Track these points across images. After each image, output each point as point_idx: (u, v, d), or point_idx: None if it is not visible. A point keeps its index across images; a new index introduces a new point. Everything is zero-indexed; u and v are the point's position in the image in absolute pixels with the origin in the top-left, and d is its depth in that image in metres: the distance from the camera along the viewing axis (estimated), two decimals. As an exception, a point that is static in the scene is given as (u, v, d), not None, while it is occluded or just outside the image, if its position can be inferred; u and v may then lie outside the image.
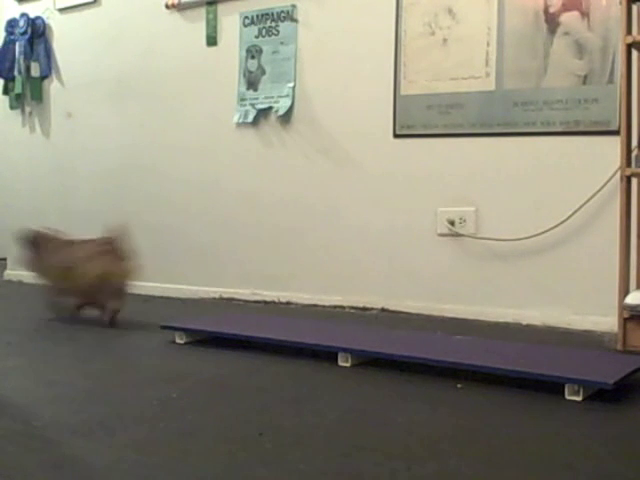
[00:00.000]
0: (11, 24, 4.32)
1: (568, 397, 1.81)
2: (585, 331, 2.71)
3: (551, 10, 2.81)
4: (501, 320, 2.91)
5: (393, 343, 2.31)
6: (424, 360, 2.09)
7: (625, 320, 2.38)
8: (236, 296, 3.57)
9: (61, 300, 3.01)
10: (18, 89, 4.27)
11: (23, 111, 4.38)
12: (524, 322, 2.87)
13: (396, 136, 3.17)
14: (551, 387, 1.85)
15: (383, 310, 3.17)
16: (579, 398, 1.80)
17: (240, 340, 2.44)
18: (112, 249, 2.89)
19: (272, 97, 3.47)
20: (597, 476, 1.35)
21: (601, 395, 1.81)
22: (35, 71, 4.24)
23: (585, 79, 2.76)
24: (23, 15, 4.26)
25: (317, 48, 3.36)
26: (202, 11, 3.67)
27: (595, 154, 2.74)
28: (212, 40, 3.65)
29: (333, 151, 3.34)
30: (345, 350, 2.20)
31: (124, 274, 2.90)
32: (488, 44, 2.93)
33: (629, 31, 2.40)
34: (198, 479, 1.35)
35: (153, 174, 3.87)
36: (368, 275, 3.25)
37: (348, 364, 2.18)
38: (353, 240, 3.29)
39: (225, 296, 3.60)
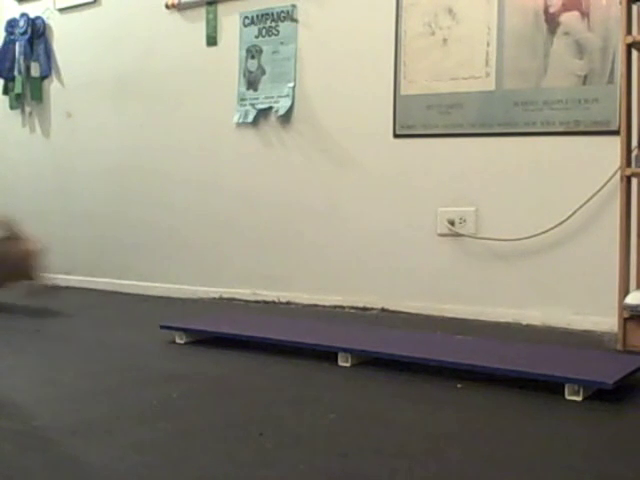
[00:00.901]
0: (11, 24, 4.32)
1: (568, 397, 1.81)
2: (585, 331, 2.71)
3: (551, 10, 2.81)
4: (501, 320, 2.91)
5: (393, 343, 2.31)
6: (424, 360, 2.09)
7: (625, 320, 2.38)
8: (236, 296, 3.57)
9: None
10: (18, 89, 4.27)
11: (23, 111, 4.38)
12: (524, 322, 2.87)
13: (396, 136, 3.17)
14: (551, 387, 1.85)
15: (383, 310, 3.17)
16: (579, 398, 1.80)
17: (240, 340, 2.45)
18: (12, 233, 3.01)
19: (272, 97, 3.47)
20: (597, 476, 1.35)
21: (601, 395, 1.81)
22: (35, 71, 4.24)
23: (585, 79, 2.76)
24: (23, 15, 4.26)
25: (317, 48, 3.36)
26: (202, 11, 3.67)
27: (595, 154, 2.74)
28: (212, 40, 3.65)
29: (333, 151, 3.34)
30: (345, 350, 2.20)
31: (30, 254, 3.07)
32: (488, 44, 2.93)
33: (629, 31, 2.39)
34: (198, 479, 1.35)
35: (153, 174, 3.87)
36: (368, 275, 3.25)
37: (348, 364, 2.18)
38: (353, 240, 3.29)
39: (225, 296, 3.60)
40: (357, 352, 2.20)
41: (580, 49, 2.76)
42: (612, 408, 1.75)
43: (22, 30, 4.25)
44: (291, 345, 2.34)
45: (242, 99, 3.56)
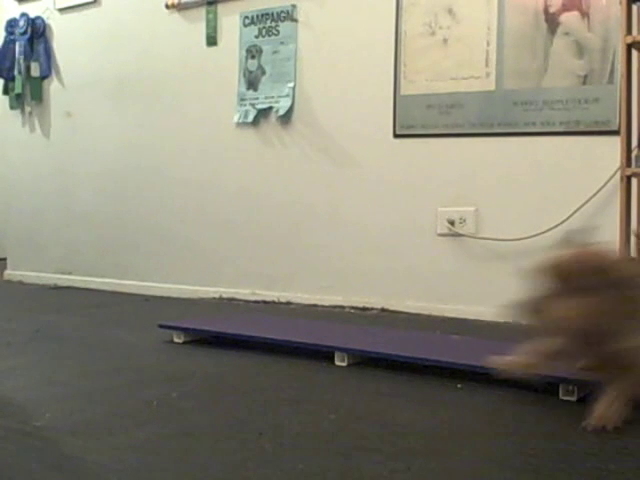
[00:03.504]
0: (11, 24, 4.32)
1: (562, 397, 1.81)
2: (585, 331, 2.71)
3: (551, 10, 2.81)
4: (501, 320, 2.90)
5: (391, 343, 2.31)
6: (421, 360, 2.09)
7: (625, 320, 2.37)
8: (236, 296, 3.57)
9: None
10: (18, 89, 4.27)
11: (23, 111, 4.38)
12: (524, 322, 2.86)
13: (396, 136, 3.17)
14: (548, 387, 1.85)
15: (383, 310, 3.17)
16: (573, 398, 1.80)
17: (239, 340, 2.44)
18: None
19: (272, 97, 3.47)
20: (595, 475, 1.35)
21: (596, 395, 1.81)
22: (35, 71, 4.24)
23: (585, 79, 2.76)
24: (23, 15, 4.26)
25: (317, 48, 3.37)
26: (202, 11, 3.67)
27: (595, 154, 2.74)
28: (212, 40, 3.65)
29: (333, 151, 3.34)
30: (341, 350, 2.20)
31: None
32: (488, 44, 2.93)
33: (629, 31, 2.40)
34: (198, 479, 1.35)
35: (153, 174, 3.87)
36: (368, 275, 3.25)
37: (344, 363, 2.18)
38: (353, 240, 3.29)
39: (225, 296, 3.60)
40: (353, 352, 2.20)
41: (580, 49, 2.76)
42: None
43: (22, 30, 4.25)
44: (288, 345, 2.34)
45: (242, 99, 3.56)
